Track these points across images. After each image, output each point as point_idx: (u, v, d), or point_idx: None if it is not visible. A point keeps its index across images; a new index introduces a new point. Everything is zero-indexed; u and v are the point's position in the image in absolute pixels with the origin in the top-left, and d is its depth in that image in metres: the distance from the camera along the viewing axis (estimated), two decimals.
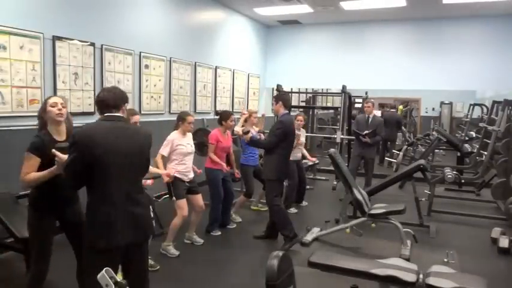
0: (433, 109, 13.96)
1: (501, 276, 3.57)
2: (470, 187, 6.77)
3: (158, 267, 3.42)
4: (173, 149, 3.76)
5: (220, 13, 7.06)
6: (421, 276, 2.37)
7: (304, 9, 7.05)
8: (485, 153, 6.48)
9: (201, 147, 5.22)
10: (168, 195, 3.99)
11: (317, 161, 6.69)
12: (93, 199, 1.99)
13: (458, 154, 7.54)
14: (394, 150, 8.77)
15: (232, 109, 7.57)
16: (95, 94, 4.52)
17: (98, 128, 2.03)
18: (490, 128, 6.50)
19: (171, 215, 3.85)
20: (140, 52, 5.20)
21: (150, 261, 3.24)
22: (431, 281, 2.28)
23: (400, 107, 12.77)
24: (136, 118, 3.39)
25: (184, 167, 3.82)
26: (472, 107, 9.81)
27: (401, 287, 2.35)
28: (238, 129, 4.14)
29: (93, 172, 1.94)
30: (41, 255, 2.38)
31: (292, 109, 7.26)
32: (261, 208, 5.29)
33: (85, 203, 2.04)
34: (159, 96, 5.65)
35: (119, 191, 1.98)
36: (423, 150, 8.72)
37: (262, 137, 4.89)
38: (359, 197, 4.09)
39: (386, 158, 8.95)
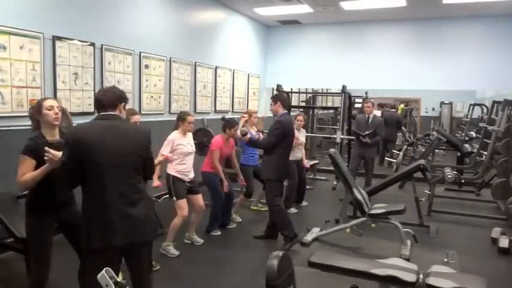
0: (433, 109, 13.95)
1: (501, 276, 3.57)
2: (470, 187, 6.76)
3: (158, 267, 3.42)
4: (174, 148, 3.76)
5: (220, 13, 7.06)
6: (421, 276, 2.37)
7: (304, 9, 7.05)
8: (485, 153, 6.48)
9: (201, 147, 5.22)
10: (168, 195, 3.99)
11: (309, 166, 6.32)
12: (88, 199, 1.99)
13: (458, 154, 7.54)
14: (394, 150, 8.76)
15: (232, 109, 7.59)
16: (95, 94, 4.53)
17: (91, 127, 2.02)
18: (490, 128, 6.50)
19: (171, 215, 3.85)
20: (140, 52, 5.20)
21: None
22: (431, 281, 2.28)
23: (401, 105, 12.75)
24: (136, 118, 3.40)
25: (185, 167, 3.82)
26: (472, 107, 9.81)
27: (401, 287, 2.35)
28: (237, 131, 4.16)
29: (87, 171, 1.93)
30: (40, 256, 2.37)
31: (292, 109, 7.33)
32: (261, 208, 5.29)
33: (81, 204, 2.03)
34: (159, 96, 5.65)
35: (113, 190, 1.96)
36: (423, 150, 8.72)
37: (262, 136, 4.90)
38: (359, 197, 4.09)
39: (386, 158, 8.95)
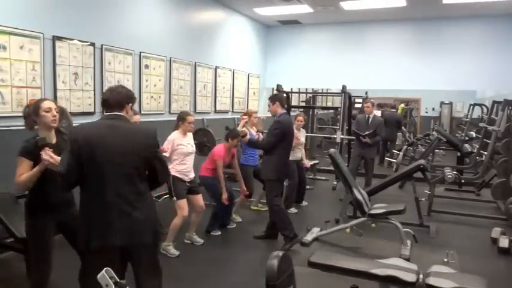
0: (433, 109, 13.95)
1: (501, 276, 3.57)
2: (470, 187, 6.76)
3: None
4: (174, 148, 3.77)
5: (220, 13, 7.06)
6: (421, 276, 2.37)
7: (304, 9, 7.05)
8: (485, 153, 6.48)
9: (202, 147, 5.22)
10: (168, 195, 3.99)
11: (309, 166, 6.39)
12: (86, 199, 1.98)
13: (458, 154, 7.54)
14: (394, 150, 8.77)
15: (232, 109, 7.59)
16: (95, 94, 4.53)
17: (94, 127, 2.01)
18: (490, 128, 6.50)
19: (171, 215, 3.85)
20: (140, 52, 5.20)
21: None
22: (431, 281, 2.28)
23: (402, 105, 12.75)
24: (137, 118, 3.40)
25: (185, 167, 3.82)
26: (472, 107, 9.81)
27: (401, 287, 2.35)
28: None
29: (87, 171, 1.93)
30: (40, 256, 2.37)
31: (292, 109, 7.34)
32: (261, 208, 5.28)
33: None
34: (159, 96, 5.65)
35: (113, 190, 1.95)
36: (423, 150, 8.72)
37: (261, 137, 4.90)
38: (359, 197, 4.09)
39: (386, 158, 8.95)
